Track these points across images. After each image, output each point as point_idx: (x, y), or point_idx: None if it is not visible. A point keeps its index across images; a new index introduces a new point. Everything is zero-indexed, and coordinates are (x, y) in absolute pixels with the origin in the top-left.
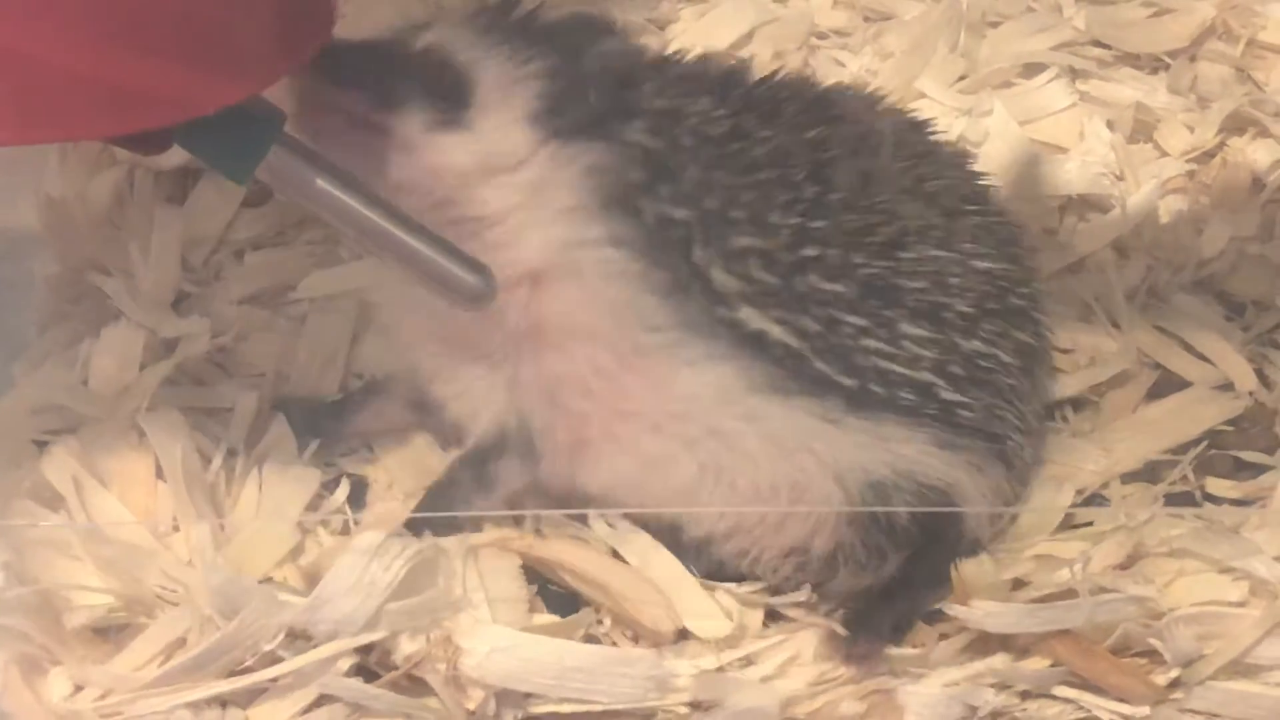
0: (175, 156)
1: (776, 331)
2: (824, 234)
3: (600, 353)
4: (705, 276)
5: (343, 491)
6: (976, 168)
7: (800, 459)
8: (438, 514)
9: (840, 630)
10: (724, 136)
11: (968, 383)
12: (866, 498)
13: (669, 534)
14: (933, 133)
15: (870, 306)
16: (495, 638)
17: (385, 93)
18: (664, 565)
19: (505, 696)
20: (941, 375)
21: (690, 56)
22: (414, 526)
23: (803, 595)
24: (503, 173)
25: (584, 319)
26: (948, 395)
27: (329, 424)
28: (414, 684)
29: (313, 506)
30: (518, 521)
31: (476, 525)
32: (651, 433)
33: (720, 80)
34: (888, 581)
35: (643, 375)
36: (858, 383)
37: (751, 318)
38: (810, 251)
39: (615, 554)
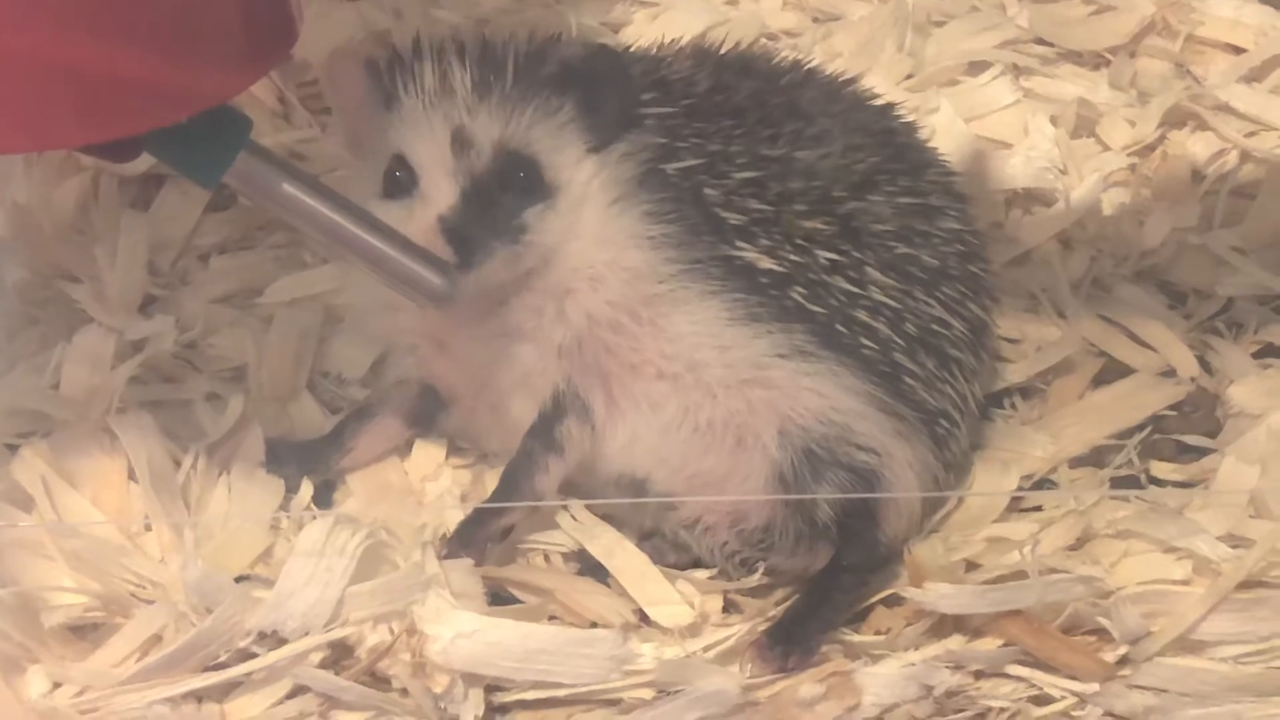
0: (140, 162)
1: (764, 261)
2: (807, 165)
3: (622, 315)
4: (714, 215)
5: (308, 490)
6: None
7: (752, 392)
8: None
9: (766, 644)
10: (708, 91)
11: (918, 344)
12: (798, 460)
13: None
14: (893, 109)
15: (843, 245)
16: (460, 623)
17: (504, 232)
18: (628, 557)
19: (471, 680)
20: (898, 332)
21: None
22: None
23: (755, 579)
24: (579, 206)
25: (617, 293)
26: (900, 356)
27: (321, 459)
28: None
29: (282, 508)
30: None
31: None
32: (656, 380)
33: (692, 51)
34: (807, 593)
35: (650, 325)
36: (826, 315)
37: (744, 250)
38: (795, 184)
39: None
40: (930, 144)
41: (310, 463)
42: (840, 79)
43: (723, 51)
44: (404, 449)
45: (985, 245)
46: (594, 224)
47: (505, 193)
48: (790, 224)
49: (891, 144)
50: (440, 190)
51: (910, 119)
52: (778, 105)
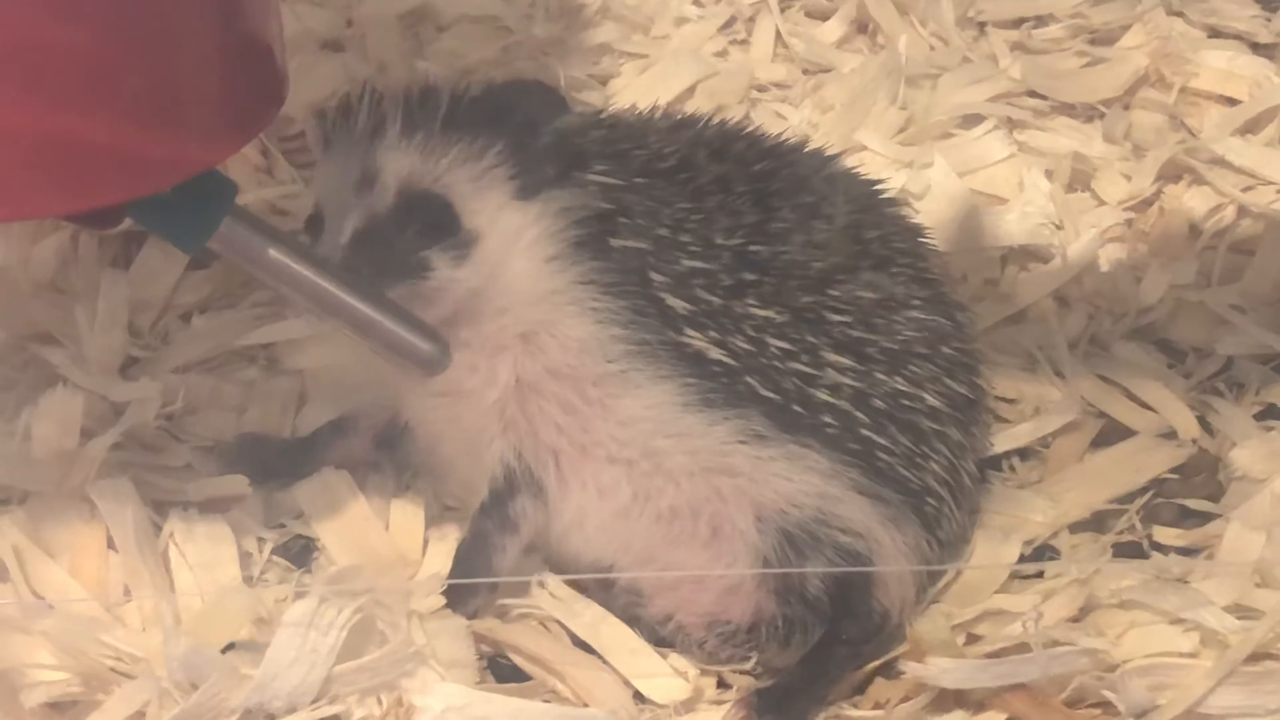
0: None
1: (714, 351)
2: (762, 260)
3: (569, 391)
4: (660, 300)
5: (265, 552)
6: (923, 232)
7: (719, 481)
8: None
9: (757, 705)
10: (672, 169)
11: (888, 419)
12: (781, 545)
13: (601, 593)
14: (881, 191)
15: (797, 333)
16: (450, 695)
17: (403, 268)
18: (613, 633)
19: None
20: (862, 408)
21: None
22: (452, 596)
23: (748, 665)
24: (505, 255)
25: (561, 362)
26: (868, 433)
27: (288, 464)
28: None
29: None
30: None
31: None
32: (607, 464)
33: (670, 124)
34: (801, 663)
35: (599, 405)
36: (782, 399)
37: (694, 338)
38: (748, 276)
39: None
40: (909, 226)
41: (276, 464)
42: (823, 160)
43: (703, 125)
44: (383, 511)
45: (964, 326)
46: (525, 278)
47: (406, 232)
48: (742, 314)
49: (858, 239)
50: (338, 232)
51: (893, 199)
52: (742, 194)
